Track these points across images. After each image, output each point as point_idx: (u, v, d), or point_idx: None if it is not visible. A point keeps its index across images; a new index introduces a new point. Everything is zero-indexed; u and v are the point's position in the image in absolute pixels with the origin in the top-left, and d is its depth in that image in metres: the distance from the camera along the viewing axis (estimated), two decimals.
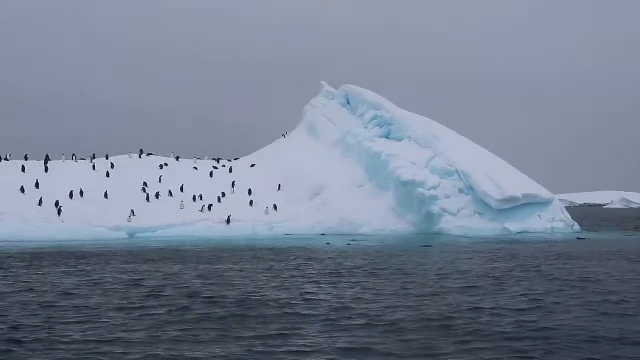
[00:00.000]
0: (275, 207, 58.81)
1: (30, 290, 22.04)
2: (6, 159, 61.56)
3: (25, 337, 14.77)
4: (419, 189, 57.13)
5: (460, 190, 58.25)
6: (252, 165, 69.70)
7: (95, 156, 65.59)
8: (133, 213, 52.72)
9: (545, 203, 59.71)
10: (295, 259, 33.85)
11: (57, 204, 51.91)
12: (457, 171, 59.12)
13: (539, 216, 58.54)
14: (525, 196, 57.98)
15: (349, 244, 44.92)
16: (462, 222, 56.48)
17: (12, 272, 27.09)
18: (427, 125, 66.75)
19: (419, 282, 24.28)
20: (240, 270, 27.98)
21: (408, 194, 57.75)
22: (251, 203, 59.65)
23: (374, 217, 57.60)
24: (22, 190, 53.39)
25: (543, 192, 60.34)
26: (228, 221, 55.41)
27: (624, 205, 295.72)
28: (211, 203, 57.87)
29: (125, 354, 13.44)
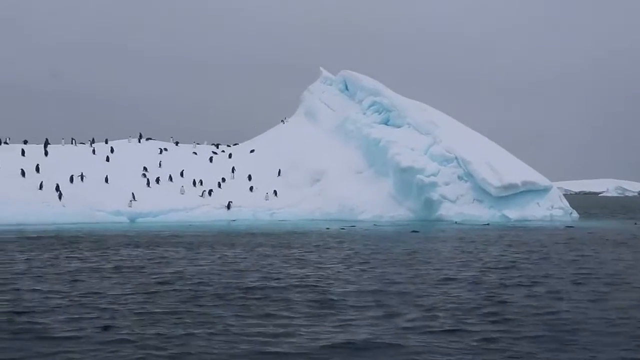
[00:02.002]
0: (275, 192, 59.02)
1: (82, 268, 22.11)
2: (6, 143, 61.72)
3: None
4: (418, 176, 57.20)
5: (459, 177, 58.40)
6: (252, 151, 69.84)
7: (95, 140, 65.71)
8: (134, 197, 52.82)
9: (543, 190, 59.74)
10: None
11: (57, 187, 51.97)
12: (456, 158, 59.25)
13: (538, 203, 58.58)
14: (524, 183, 58.10)
15: (342, 229, 45.78)
16: (461, 209, 56.71)
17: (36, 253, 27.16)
18: (426, 112, 66.83)
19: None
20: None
21: (407, 180, 57.81)
22: (251, 189, 59.85)
23: (373, 204, 57.68)
24: (23, 173, 53.54)
25: (541, 180, 60.37)
26: (228, 207, 55.60)
27: (619, 193, 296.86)
28: (211, 188, 58.07)
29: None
